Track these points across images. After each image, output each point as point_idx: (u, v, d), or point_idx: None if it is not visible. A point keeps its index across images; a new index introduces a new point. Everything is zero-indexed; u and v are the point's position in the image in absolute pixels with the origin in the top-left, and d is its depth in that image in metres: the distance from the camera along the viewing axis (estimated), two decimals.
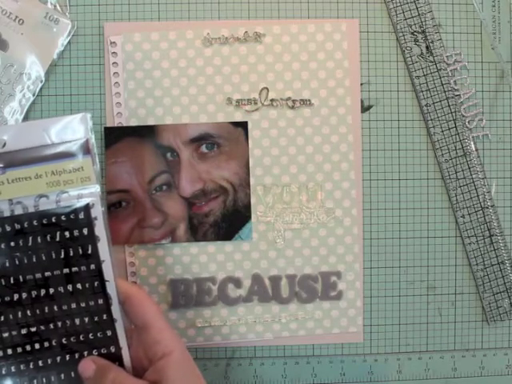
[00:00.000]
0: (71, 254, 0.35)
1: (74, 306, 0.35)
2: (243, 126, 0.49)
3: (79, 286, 0.35)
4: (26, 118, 0.48)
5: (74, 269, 0.35)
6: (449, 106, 0.50)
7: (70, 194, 0.35)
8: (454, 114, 0.50)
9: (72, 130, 0.35)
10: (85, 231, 0.35)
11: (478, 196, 0.50)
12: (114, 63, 0.48)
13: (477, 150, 0.50)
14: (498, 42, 0.50)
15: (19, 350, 0.34)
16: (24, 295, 0.34)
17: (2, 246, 0.34)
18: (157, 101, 0.48)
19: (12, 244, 0.34)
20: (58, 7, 0.47)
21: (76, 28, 0.48)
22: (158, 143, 0.48)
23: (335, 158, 0.49)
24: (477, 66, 0.50)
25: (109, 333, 0.35)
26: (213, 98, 0.49)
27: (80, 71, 0.48)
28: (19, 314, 0.34)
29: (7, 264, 0.34)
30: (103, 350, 0.35)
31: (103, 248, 0.35)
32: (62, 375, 0.35)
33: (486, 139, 0.51)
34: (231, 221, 0.49)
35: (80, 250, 0.35)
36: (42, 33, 0.47)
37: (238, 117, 0.49)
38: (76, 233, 0.35)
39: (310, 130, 0.49)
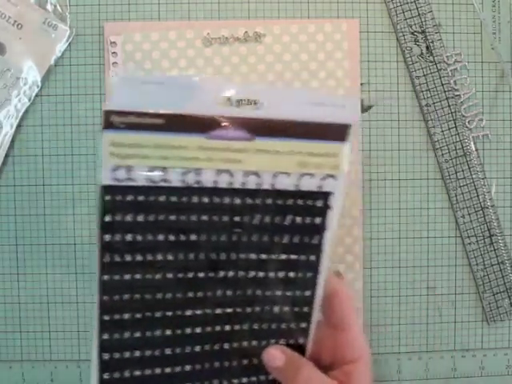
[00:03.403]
0: (295, 240, 0.31)
1: (279, 293, 0.31)
2: None
3: (292, 274, 0.31)
4: (20, 126, 0.48)
5: (293, 256, 0.31)
6: (449, 105, 0.50)
7: (315, 179, 0.30)
8: (454, 113, 0.50)
9: (336, 110, 0.29)
10: (317, 220, 0.31)
11: (478, 196, 0.50)
12: (114, 63, 0.48)
13: (477, 149, 0.50)
14: (498, 41, 0.50)
15: (208, 329, 0.31)
16: (230, 274, 0.30)
17: (225, 218, 0.30)
18: None
19: (236, 219, 0.30)
20: (58, 7, 0.47)
21: (74, 35, 0.48)
22: None
23: None
24: (477, 66, 0.50)
25: (303, 325, 0.32)
26: None
27: (80, 71, 0.48)
28: (218, 293, 0.31)
29: (223, 239, 0.30)
30: (291, 341, 0.32)
31: (328, 239, 0.31)
32: (245, 361, 0.32)
33: (486, 139, 0.51)
34: None
35: (307, 239, 0.31)
36: (40, 38, 0.47)
37: None
38: (308, 220, 0.31)
39: None
